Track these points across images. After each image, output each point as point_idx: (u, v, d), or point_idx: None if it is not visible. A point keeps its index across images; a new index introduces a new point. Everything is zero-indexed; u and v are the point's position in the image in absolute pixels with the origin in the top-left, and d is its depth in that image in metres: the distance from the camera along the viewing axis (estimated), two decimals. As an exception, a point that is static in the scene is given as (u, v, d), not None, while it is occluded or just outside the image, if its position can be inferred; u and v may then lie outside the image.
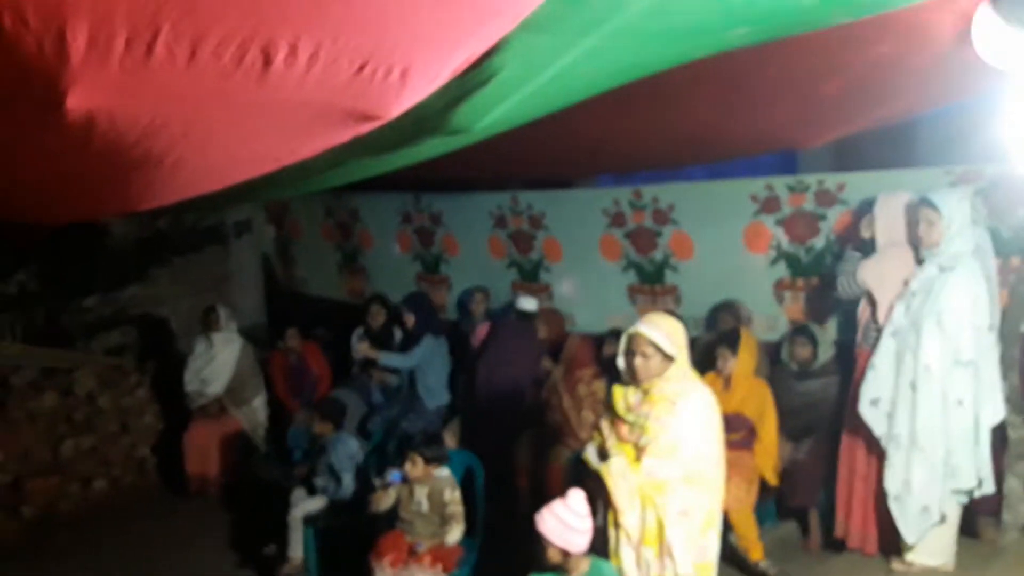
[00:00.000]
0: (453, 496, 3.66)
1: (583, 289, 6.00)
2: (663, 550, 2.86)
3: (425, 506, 3.65)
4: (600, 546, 2.93)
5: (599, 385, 4.80)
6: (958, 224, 3.81)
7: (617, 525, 2.95)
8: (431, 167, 3.28)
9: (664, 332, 2.98)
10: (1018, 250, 4.04)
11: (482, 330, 5.56)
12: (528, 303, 5.57)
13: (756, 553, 4.03)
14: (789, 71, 3.21)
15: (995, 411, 3.80)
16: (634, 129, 4.00)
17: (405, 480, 3.64)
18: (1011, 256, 4.03)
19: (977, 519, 4.09)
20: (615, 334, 5.15)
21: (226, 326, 6.11)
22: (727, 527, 3.97)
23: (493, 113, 2.21)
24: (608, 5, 1.78)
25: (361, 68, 1.71)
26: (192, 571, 4.72)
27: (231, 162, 2.37)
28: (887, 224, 4.17)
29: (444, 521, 3.63)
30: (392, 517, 3.68)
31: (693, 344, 5.07)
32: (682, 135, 4.29)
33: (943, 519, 3.83)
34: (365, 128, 1.90)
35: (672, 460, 2.88)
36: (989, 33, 2.61)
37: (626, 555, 2.92)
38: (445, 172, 4.83)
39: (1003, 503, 4.00)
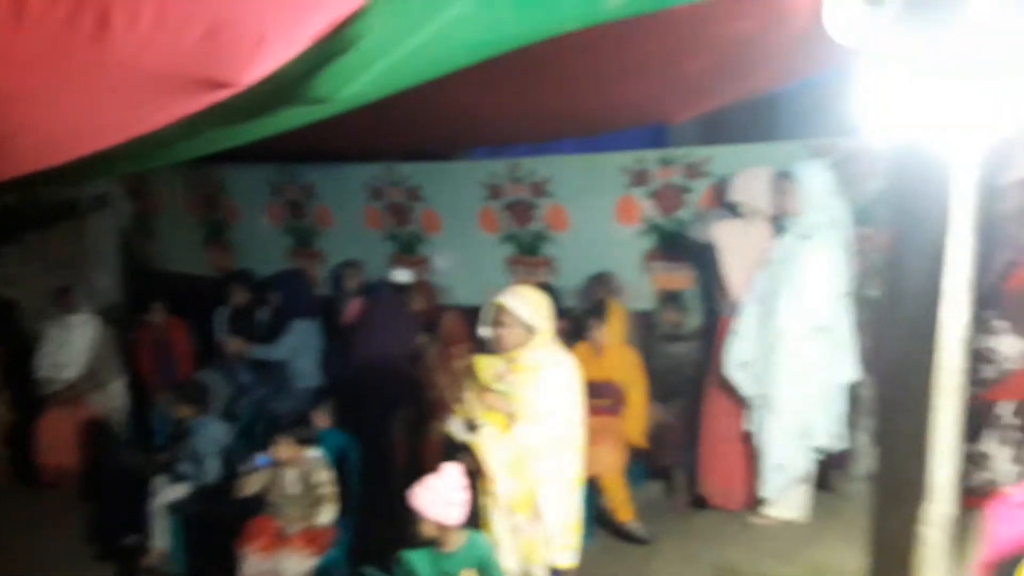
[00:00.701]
0: (324, 477, 3.59)
1: (462, 262, 5.99)
2: (534, 514, 2.93)
3: (295, 489, 3.56)
4: (472, 517, 2.96)
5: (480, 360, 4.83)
6: (816, 195, 4.02)
7: (488, 494, 2.99)
8: (300, 137, 3.16)
9: (526, 304, 3.04)
10: (871, 221, 4.29)
11: (355, 306, 5.45)
12: (402, 275, 5.49)
13: (626, 514, 4.17)
14: (655, 46, 3.27)
15: (849, 373, 4.06)
16: (507, 102, 4.00)
17: (274, 463, 3.54)
18: (864, 226, 4.27)
19: (829, 472, 4.37)
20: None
21: (81, 307, 5.75)
22: (598, 490, 4.09)
23: (357, 82, 2.14)
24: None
25: (211, 32, 1.61)
26: (47, 566, 4.44)
27: (73, 132, 2.21)
28: (749, 195, 4.36)
29: (315, 503, 3.56)
30: (261, 502, 3.58)
31: (569, 314, 5.19)
32: (554, 109, 4.32)
33: (799, 475, 4.09)
34: (219, 96, 1.79)
35: (541, 426, 2.96)
36: (837, 10, 2.73)
37: (498, 522, 2.97)
38: (316, 143, 4.69)
39: (852, 457, 4.30)
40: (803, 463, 4.08)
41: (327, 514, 3.57)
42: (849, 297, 4.08)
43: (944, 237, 2.85)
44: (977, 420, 3.93)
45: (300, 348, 5.32)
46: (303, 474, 3.57)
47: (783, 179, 4.09)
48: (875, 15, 1.94)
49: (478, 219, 5.93)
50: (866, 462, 4.30)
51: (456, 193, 5.92)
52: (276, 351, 5.26)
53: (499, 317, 3.07)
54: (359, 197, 6.25)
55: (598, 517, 4.19)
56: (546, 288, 5.41)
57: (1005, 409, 3.80)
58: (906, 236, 1.78)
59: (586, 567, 3.34)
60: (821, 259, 3.96)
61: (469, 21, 2.00)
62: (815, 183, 4.00)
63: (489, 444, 2.96)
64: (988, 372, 3.83)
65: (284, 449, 3.55)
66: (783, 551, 3.93)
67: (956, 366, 3.22)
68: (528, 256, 5.88)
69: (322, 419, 4.01)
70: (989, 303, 3.82)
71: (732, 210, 4.44)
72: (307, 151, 5.74)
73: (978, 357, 3.86)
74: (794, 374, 3.99)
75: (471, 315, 5.21)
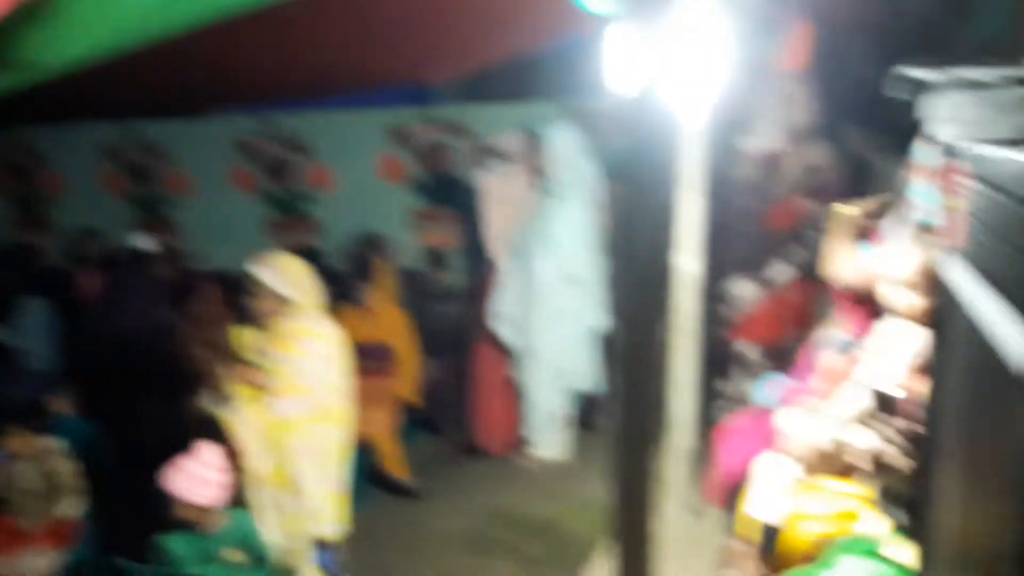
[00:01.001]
0: (65, 467, 3.27)
1: (217, 225, 5.65)
2: (293, 489, 2.85)
3: (32, 482, 3.22)
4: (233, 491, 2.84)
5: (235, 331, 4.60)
6: (566, 154, 4.20)
7: (243, 470, 2.88)
8: (23, 96, 2.80)
9: (277, 272, 2.92)
10: (616, 176, 4.54)
11: (93, 278, 4.97)
12: (144, 242, 5.02)
13: (400, 472, 4.21)
14: (411, 6, 3.24)
15: (601, 321, 4.33)
16: (261, 59, 3.81)
17: (5, 456, 3.17)
18: (611, 181, 4.50)
19: (591, 412, 4.66)
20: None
21: None
22: (371, 451, 4.08)
23: (77, 42, 1.92)
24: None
25: None
26: None
27: None
28: (508, 154, 4.47)
29: (56, 495, 3.24)
30: (-5, 500, 3.20)
31: (337, 277, 5.07)
32: (312, 66, 4.17)
33: (559, 417, 4.34)
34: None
35: (297, 398, 2.87)
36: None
37: (257, 498, 2.86)
38: (42, 102, 4.17)
39: (607, 398, 4.62)
40: (563, 405, 4.34)
41: (71, 507, 3.26)
42: (599, 251, 4.32)
43: (673, 190, 3.10)
44: (724, 359, 4.36)
45: (30, 328, 4.78)
46: (40, 466, 3.23)
47: (536, 139, 4.24)
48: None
49: (232, 179, 5.62)
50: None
51: (206, 152, 5.57)
52: (2, 333, 4.70)
53: (251, 287, 2.93)
54: (93, 159, 5.68)
55: (372, 477, 4.20)
56: (309, 252, 5.29)
57: (747, 348, 4.23)
58: (640, 189, 1.90)
59: (362, 528, 3.34)
60: (571, 215, 4.17)
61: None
62: (565, 143, 4.19)
63: (239, 419, 2.84)
64: (729, 314, 4.25)
65: (16, 440, 3.19)
66: (550, 490, 4.16)
67: (690, 309, 3.54)
68: (290, 217, 5.67)
69: (60, 405, 3.64)
70: (729, 250, 4.23)
71: (493, 168, 4.54)
72: (33, 111, 5.11)
73: (720, 301, 4.27)
74: (551, 323, 4.20)
75: (231, 282, 4.96)
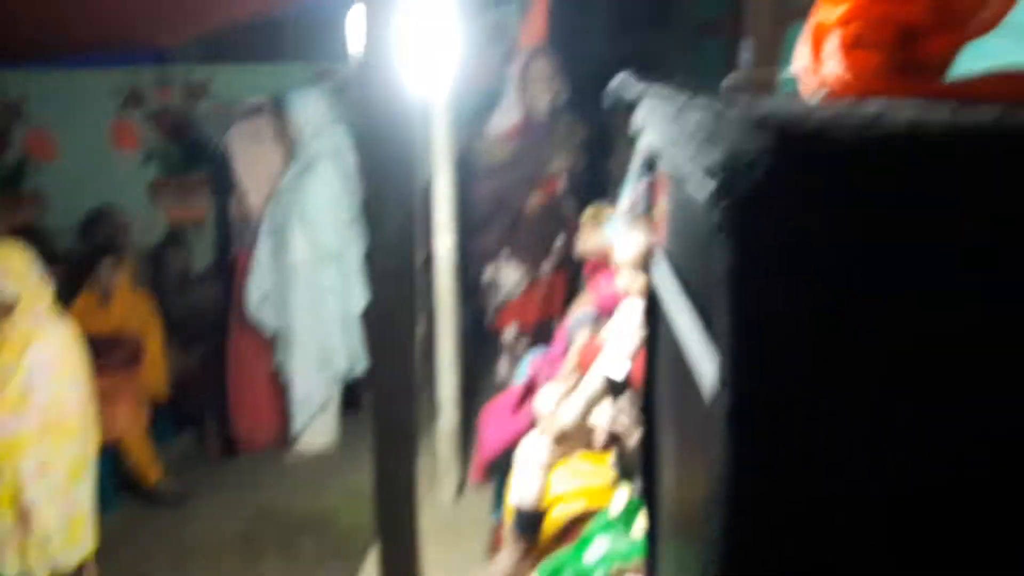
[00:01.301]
0: None
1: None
2: (22, 514, 2.52)
3: None
4: None
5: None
6: (315, 123, 3.98)
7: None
8: None
9: None
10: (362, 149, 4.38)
11: None
12: None
13: (154, 475, 3.87)
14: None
15: (359, 298, 4.17)
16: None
17: None
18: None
19: (356, 392, 4.53)
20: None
21: None
22: (120, 454, 3.75)
23: None
24: None
25: None
26: None
27: None
28: (257, 120, 4.18)
29: None
30: None
31: (67, 258, 4.54)
32: (27, 26, 3.61)
33: (324, 405, 4.18)
34: None
35: (23, 413, 2.53)
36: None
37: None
38: None
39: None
40: (327, 391, 4.17)
41: None
42: (355, 225, 4.16)
43: (419, 166, 3.03)
44: (493, 347, 4.40)
45: None
46: None
47: (284, 104, 3.99)
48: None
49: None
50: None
51: None
52: None
53: None
54: None
55: (124, 482, 3.84)
56: (31, 231, 4.69)
57: (512, 330, 4.28)
58: (383, 163, 1.79)
59: (115, 539, 3.05)
60: (324, 187, 3.97)
61: None
62: (314, 109, 3.98)
63: None
64: (496, 299, 4.27)
65: None
66: (318, 482, 3.99)
67: (448, 287, 3.54)
68: (8, 191, 4.98)
69: None
70: (487, 233, 4.23)
71: (241, 135, 4.22)
72: None
73: (489, 287, 4.28)
74: (309, 304, 4.01)
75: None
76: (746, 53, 2.36)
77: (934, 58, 0.89)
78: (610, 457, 2.33)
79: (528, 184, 4.09)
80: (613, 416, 2.12)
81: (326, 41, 4.64)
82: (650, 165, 1.17)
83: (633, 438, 2.01)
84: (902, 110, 0.63)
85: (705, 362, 0.75)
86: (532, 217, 4.12)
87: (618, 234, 2.49)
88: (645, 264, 2.34)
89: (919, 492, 0.59)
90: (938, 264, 0.56)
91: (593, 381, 2.42)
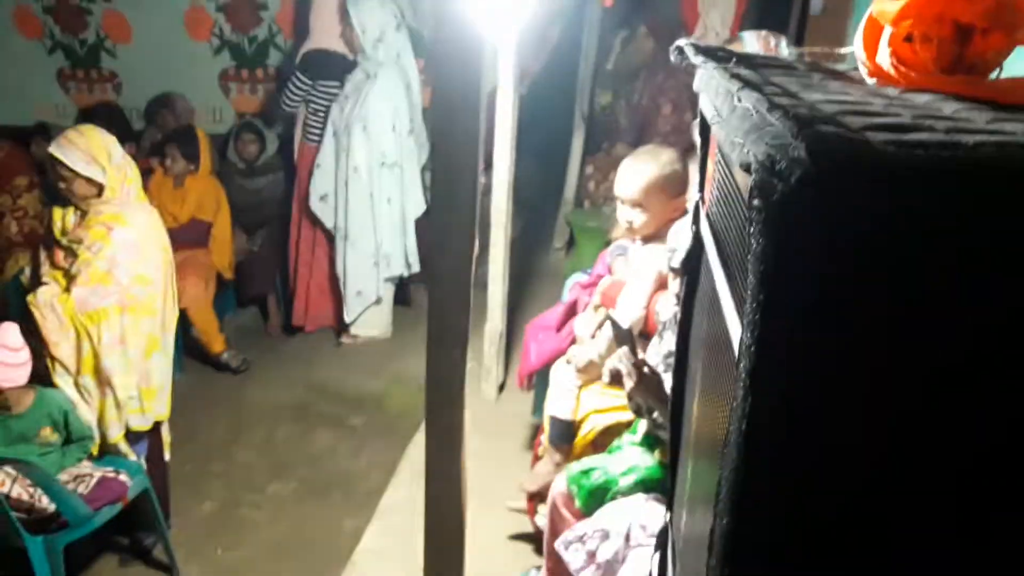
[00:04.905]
0: None
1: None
2: (101, 379, 2.76)
3: None
4: (44, 373, 2.72)
5: (30, 198, 4.25)
6: (377, 32, 4.03)
7: (49, 357, 2.75)
8: None
9: (80, 152, 2.66)
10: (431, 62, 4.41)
11: None
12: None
13: (218, 346, 4.15)
14: None
15: (417, 205, 4.33)
16: None
17: None
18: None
19: (408, 289, 4.73)
20: (42, 129, 4.50)
21: None
22: (188, 323, 4.00)
23: None
24: None
25: None
26: None
27: None
28: (320, 30, 4.22)
29: None
30: None
31: (139, 138, 4.73)
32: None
33: (379, 300, 4.39)
34: None
35: (106, 287, 2.71)
36: None
37: (64, 384, 2.74)
38: None
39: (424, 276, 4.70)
40: (379, 290, 4.36)
41: None
42: (413, 135, 4.25)
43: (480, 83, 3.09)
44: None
45: None
46: None
47: (347, 14, 4.03)
48: None
49: (13, 22, 4.99)
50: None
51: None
52: None
53: (56, 169, 2.68)
54: None
55: (190, 349, 4.14)
56: (111, 109, 4.87)
57: None
58: (453, 83, 1.84)
59: (180, 403, 3.29)
60: (385, 97, 4.05)
61: None
62: (376, 18, 4.01)
63: (44, 305, 2.66)
64: None
65: None
66: (368, 366, 4.25)
67: (504, 207, 3.64)
68: (85, 69, 5.13)
69: None
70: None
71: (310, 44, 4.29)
72: None
73: None
74: (367, 208, 4.15)
75: (25, 136, 4.51)
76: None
77: (984, 58, 0.95)
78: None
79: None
80: (617, 358, 2.18)
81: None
82: (705, 128, 1.24)
83: (630, 384, 2.10)
84: (941, 120, 0.66)
85: (733, 320, 0.81)
86: None
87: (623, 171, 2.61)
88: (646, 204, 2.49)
89: (904, 476, 0.64)
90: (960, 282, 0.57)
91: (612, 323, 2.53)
